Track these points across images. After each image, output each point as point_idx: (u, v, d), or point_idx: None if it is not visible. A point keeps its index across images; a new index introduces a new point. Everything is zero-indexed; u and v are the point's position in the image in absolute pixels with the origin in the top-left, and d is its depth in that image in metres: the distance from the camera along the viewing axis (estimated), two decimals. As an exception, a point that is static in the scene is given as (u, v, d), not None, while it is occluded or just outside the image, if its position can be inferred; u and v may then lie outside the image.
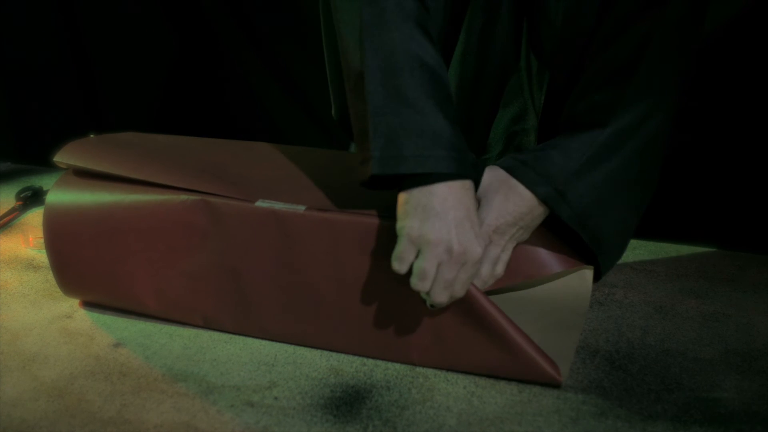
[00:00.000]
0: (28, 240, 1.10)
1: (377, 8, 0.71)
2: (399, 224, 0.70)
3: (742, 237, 1.05)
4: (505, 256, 0.78)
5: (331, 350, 0.79)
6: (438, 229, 0.68)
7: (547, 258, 0.82)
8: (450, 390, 0.73)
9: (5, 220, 1.18)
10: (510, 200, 0.77)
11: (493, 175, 0.77)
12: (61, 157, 0.86)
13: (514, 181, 0.77)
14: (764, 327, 0.84)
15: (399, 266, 0.70)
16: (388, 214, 0.73)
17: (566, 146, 0.79)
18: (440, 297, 0.69)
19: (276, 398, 0.72)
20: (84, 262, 0.84)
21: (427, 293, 0.70)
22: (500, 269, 0.77)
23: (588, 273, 0.86)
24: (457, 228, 0.68)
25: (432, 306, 0.72)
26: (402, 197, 0.70)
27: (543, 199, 0.78)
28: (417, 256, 0.69)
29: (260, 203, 0.76)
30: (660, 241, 1.07)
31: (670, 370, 0.75)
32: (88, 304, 0.90)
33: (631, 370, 0.75)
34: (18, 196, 1.25)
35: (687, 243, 1.06)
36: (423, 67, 0.70)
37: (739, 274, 0.97)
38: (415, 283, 0.69)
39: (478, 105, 0.93)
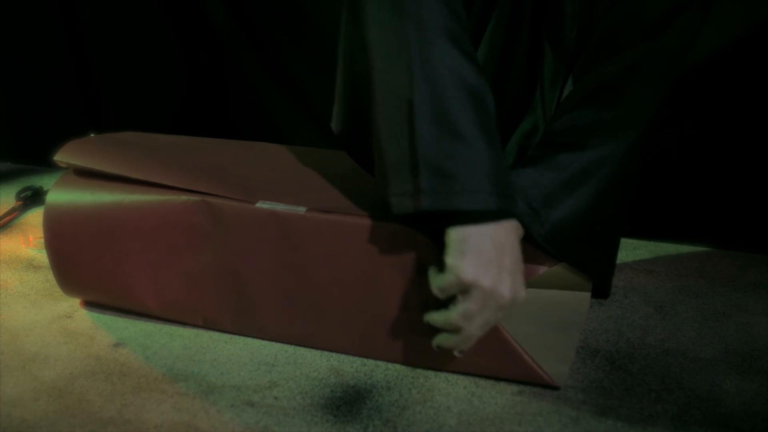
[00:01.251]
0: (29, 240, 1.10)
1: (422, 32, 0.68)
2: (451, 261, 0.66)
3: (742, 237, 1.05)
4: None
5: (331, 351, 0.79)
6: (492, 277, 0.66)
7: (543, 255, 0.83)
8: (450, 390, 0.73)
9: (5, 220, 1.18)
10: None
11: None
12: (61, 157, 0.86)
13: None
14: (764, 327, 0.84)
15: (441, 295, 0.68)
16: (390, 216, 0.73)
17: (544, 165, 0.80)
18: (477, 333, 0.68)
19: (276, 398, 0.72)
20: (84, 262, 0.85)
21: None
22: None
23: None
24: (512, 276, 0.67)
25: (462, 352, 0.70)
26: (456, 234, 0.67)
27: (517, 216, 0.78)
28: (463, 293, 0.67)
29: (261, 204, 0.76)
30: (660, 241, 1.07)
31: (670, 370, 0.75)
32: (89, 304, 0.90)
33: (632, 370, 0.75)
34: (18, 196, 1.25)
35: (687, 243, 1.06)
36: (471, 94, 0.68)
37: (739, 274, 0.97)
38: (458, 319, 0.67)
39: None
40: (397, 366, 0.77)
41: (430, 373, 0.75)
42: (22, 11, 1.45)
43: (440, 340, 0.70)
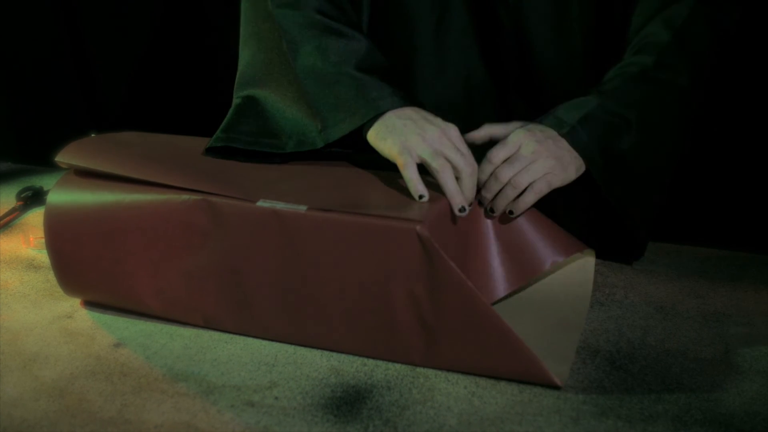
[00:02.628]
0: (29, 240, 1.10)
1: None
2: (381, 147, 0.80)
3: (742, 237, 1.05)
4: (533, 192, 0.80)
5: (331, 350, 0.79)
6: (415, 132, 0.78)
7: (546, 251, 0.83)
8: (451, 390, 0.73)
9: (6, 220, 1.18)
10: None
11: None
12: (62, 157, 0.86)
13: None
14: (765, 327, 0.84)
15: (417, 188, 0.77)
16: (391, 214, 0.73)
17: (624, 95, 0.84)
18: (467, 165, 0.77)
19: (276, 398, 0.72)
20: (85, 262, 0.85)
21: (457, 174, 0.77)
22: (529, 198, 0.80)
23: (589, 263, 0.86)
24: (416, 124, 0.79)
25: (462, 211, 0.76)
26: (374, 131, 0.81)
27: (581, 153, 0.81)
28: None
29: (261, 203, 0.76)
30: (660, 241, 1.07)
31: (670, 370, 0.75)
32: (89, 304, 0.90)
33: (632, 370, 0.75)
34: (18, 196, 1.25)
35: (687, 243, 1.06)
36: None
37: (739, 274, 0.97)
38: (439, 173, 0.77)
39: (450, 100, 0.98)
40: (397, 366, 0.77)
41: (431, 373, 0.75)
42: (22, 11, 1.45)
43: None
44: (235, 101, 0.95)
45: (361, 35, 0.87)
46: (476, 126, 0.95)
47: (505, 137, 0.80)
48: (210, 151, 0.91)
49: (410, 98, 0.83)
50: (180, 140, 0.97)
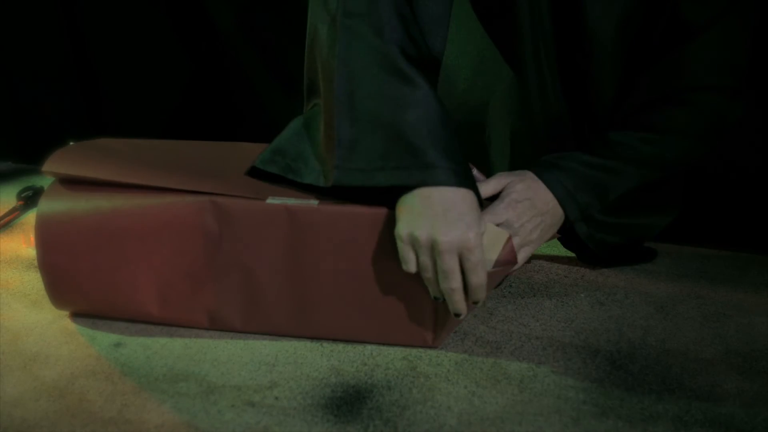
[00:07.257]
0: (29, 240, 1.10)
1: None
2: (395, 230, 0.73)
3: (743, 237, 1.05)
4: (528, 249, 0.82)
5: (347, 341, 0.80)
6: (424, 226, 0.70)
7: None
8: (451, 390, 0.73)
9: (6, 220, 1.18)
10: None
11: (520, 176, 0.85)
12: (50, 167, 0.81)
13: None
14: (765, 327, 0.84)
15: (405, 267, 0.73)
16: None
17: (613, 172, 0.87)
18: (453, 285, 0.71)
19: (277, 398, 0.72)
20: (81, 274, 0.81)
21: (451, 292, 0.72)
22: (522, 257, 0.81)
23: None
24: (449, 222, 0.70)
25: (457, 315, 0.74)
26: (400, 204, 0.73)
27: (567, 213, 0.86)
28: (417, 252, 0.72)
29: (271, 200, 0.76)
30: (660, 242, 1.07)
31: (670, 370, 0.75)
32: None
33: (632, 370, 0.75)
34: (19, 196, 1.25)
35: (687, 243, 1.06)
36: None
37: (739, 274, 0.97)
38: (425, 278, 0.73)
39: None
40: (398, 366, 0.77)
41: (431, 373, 0.75)
42: (22, 11, 1.45)
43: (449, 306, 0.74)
44: (306, 113, 0.86)
45: (431, 88, 0.75)
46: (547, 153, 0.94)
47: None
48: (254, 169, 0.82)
49: (468, 175, 0.74)
50: (165, 144, 0.91)
